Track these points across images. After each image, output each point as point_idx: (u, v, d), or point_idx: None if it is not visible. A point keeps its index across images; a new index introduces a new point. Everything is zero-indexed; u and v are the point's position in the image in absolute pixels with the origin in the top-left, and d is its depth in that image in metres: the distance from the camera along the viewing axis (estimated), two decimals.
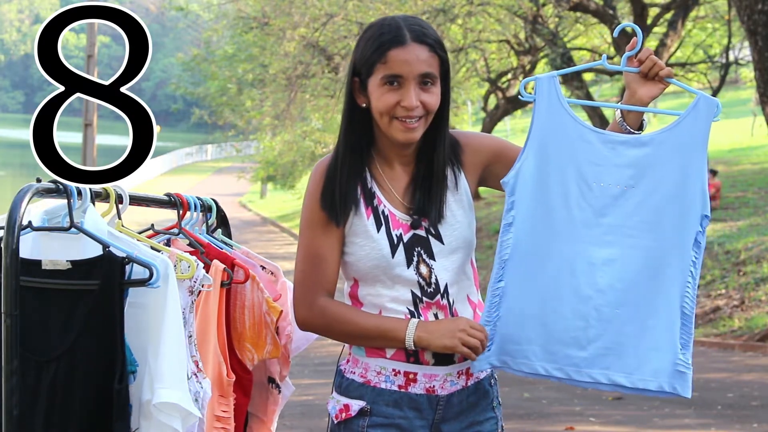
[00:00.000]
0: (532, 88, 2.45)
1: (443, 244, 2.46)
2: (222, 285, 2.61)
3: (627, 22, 2.60)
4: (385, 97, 2.38)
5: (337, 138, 2.48)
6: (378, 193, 2.46)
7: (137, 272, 2.32)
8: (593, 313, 2.38)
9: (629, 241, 2.38)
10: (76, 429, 2.29)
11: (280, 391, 2.83)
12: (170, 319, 2.31)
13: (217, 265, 2.62)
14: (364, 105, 2.43)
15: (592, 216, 2.39)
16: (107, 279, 2.28)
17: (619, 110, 2.49)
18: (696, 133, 2.41)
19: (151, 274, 2.28)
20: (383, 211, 2.45)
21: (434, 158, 2.47)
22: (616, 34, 2.68)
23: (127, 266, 2.31)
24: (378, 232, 2.43)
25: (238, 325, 2.69)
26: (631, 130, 2.46)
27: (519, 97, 2.59)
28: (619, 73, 2.52)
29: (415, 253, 2.44)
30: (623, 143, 2.41)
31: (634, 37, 2.44)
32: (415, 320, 2.40)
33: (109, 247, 2.30)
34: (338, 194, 2.42)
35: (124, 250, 2.32)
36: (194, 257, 2.50)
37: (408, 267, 2.43)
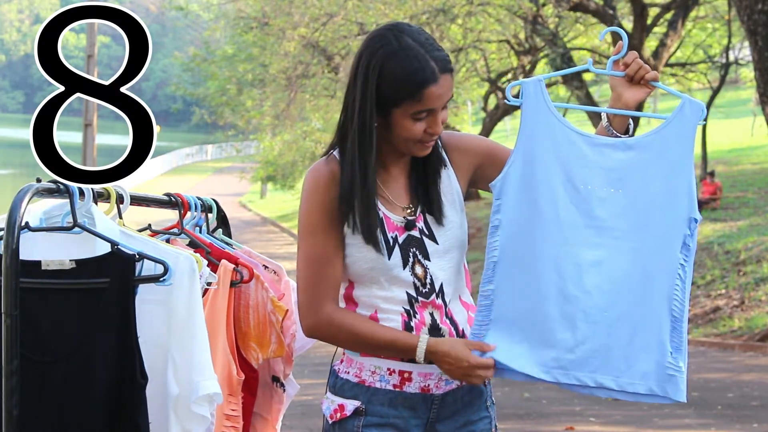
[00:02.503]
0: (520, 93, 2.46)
1: (437, 244, 2.46)
2: (231, 285, 2.62)
3: (613, 27, 2.59)
4: (414, 127, 2.38)
5: (349, 149, 2.41)
6: None
7: (147, 269, 2.34)
8: (580, 315, 2.37)
9: (616, 243, 2.39)
10: (95, 425, 2.30)
11: (284, 390, 2.84)
12: (199, 313, 2.37)
13: (226, 265, 2.63)
14: (375, 125, 2.40)
15: (579, 218, 2.39)
16: (120, 276, 2.30)
17: (605, 114, 2.49)
18: (682, 137, 2.41)
19: (165, 271, 2.30)
20: (378, 215, 2.45)
21: (428, 160, 2.47)
22: (601, 37, 2.68)
23: (137, 263, 2.33)
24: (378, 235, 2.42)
25: (243, 324, 2.70)
26: (618, 134, 2.47)
27: (505, 101, 2.59)
28: None
29: (411, 254, 2.44)
30: (610, 146, 2.41)
31: (620, 41, 2.44)
32: (425, 338, 2.39)
33: (117, 245, 2.31)
34: (370, 210, 2.40)
35: (134, 248, 2.34)
36: (198, 255, 2.51)
37: (404, 268, 2.43)
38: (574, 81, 17.92)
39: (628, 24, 18.77)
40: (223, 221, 2.97)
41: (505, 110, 23.66)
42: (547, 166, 2.40)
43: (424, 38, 2.38)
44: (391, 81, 2.36)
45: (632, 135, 2.47)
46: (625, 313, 2.37)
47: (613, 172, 2.40)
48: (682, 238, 2.39)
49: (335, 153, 2.45)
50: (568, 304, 2.37)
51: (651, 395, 2.38)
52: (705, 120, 2.45)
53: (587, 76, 20.88)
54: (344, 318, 2.42)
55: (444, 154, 2.52)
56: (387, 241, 2.43)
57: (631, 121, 2.50)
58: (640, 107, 2.51)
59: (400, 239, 2.44)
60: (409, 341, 2.39)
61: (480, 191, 24.62)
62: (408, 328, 2.42)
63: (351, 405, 2.44)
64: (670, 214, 2.39)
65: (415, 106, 2.36)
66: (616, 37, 15.80)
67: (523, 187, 2.40)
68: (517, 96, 2.49)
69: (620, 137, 2.45)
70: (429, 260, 2.45)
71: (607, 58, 2.57)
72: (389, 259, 2.42)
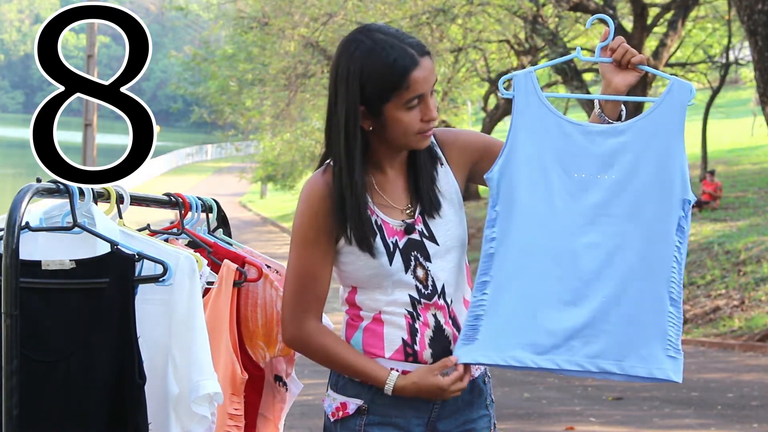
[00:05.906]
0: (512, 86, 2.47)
1: (438, 245, 2.46)
2: (235, 284, 2.62)
3: (600, 15, 2.61)
4: (410, 117, 2.38)
5: (336, 156, 2.41)
6: (370, 203, 2.45)
7: (147, 269, 2.34)
8: (580, 302, 2.39)
9: (611, 229, 2.40)
10: (95, 425, 2.30)
11: (287, 389, 2.84)
12: (199, 313, 2.37)
13: (229, 265, 2.63)
14: (371, 129, 2.41)
15: (573, 205, 2.41)
16: (120, 276, 2.30)
17: (597, 102, 2.51)
18: (672, 118, 2.43)
19: (165, 271, 2.30)
20: (376, 221, 2.45)
21: (423, 159, 2.48)
22: (588, 25, 2.71)
23: (136, 263, 2.33)
24: (374, 241, 2.43)
25: (250, 323, 2.70)
26: (610, 120, 2.48)
27: (499, 94, 2.61)
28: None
29: (412, 257, 2.44)
30: (601, 133, 2.44)
31: (606, 28, 2.47)
32: (395, 374, 2.40)
33: (117, 245, 2.31)
34: (361, 216, 2.40)
35: (134, 248, 2.34)
36: (198, 254, 2.51)
37: (406, 272, 2.44)
38: (575, 81, 17.91)
39: (628, 24, 18.77)
40: (223, 221, 2.98)
41: (505, 110, 23.65)
42: (540, 156, 2.42)
43: (394, 30, 2.41)
44: (376, 77, 2.36)
45: (626, 120, 2.49)
46: (623, 298, 2.39)
47: (606, 158, 2.42)
48: (677, 220, 2.41)
49: (331, 163, 2.44)
50: (567, 292, 2.39)
51: (650, 378, 2.40)
52: (696, 102, 2.47)
53: (587, 76, 20.88)
54: (323, 339, 2.44)
55: (439, 151, 2.53)
56: (387, 246, 2.43)
57: (623, 106, 2.51)
58: (631, 91, 2.53)
59: (401, 243, 2.44)
60: (379, 376, 2.41)
61: (480, 191, 24.55)
62: (413, 330, 2.43)
63: (353, 404, 2.45)
64: (664, 196, 2.41)
65: (405, 95, 2.36)
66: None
67: (518, 178, 2.42)
68: (509, 90, 2.49)
69: (613, 123, 2.47)
70: (430, 262, 2.45)
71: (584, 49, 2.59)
72: (391, 264, 2.43)
